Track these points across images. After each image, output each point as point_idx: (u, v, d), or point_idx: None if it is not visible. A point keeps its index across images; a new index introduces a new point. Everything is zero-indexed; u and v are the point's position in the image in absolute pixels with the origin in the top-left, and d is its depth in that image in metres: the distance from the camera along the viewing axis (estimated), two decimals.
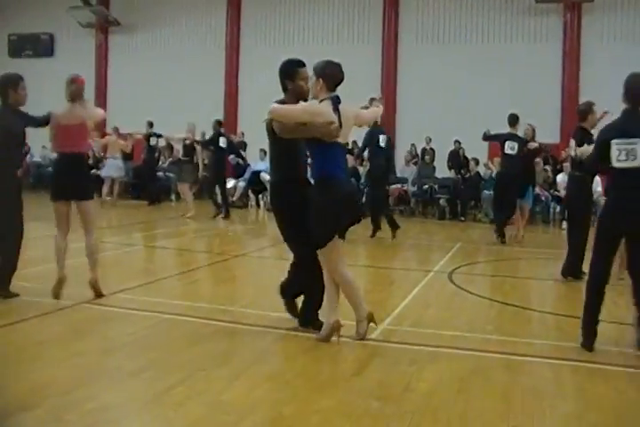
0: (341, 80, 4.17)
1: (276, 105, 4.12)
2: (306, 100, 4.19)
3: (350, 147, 15.62)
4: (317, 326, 4.48)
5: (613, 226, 4.23)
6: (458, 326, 4.91)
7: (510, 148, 9.43)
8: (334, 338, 4.32)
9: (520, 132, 9.69)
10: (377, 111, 5.08)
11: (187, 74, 18.07)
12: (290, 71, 4.30)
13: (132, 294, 5.68)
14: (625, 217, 4.15)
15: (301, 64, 4.32)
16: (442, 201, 13.82)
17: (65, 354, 3.94)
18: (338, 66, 4.19)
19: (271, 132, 4.22)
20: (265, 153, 14.97)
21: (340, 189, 4.10)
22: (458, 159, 14.72)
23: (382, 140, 9.79)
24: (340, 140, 4.14)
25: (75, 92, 5.22)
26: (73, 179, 5.20)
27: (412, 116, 16.36)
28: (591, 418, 3.27)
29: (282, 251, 8.74)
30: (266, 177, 14.18)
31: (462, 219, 13.16)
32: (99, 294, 5.35)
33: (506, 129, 9.78)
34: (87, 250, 5.33)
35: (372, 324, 4.42)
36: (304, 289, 4.53)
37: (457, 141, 14.94)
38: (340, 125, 4.07)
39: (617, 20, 15.13)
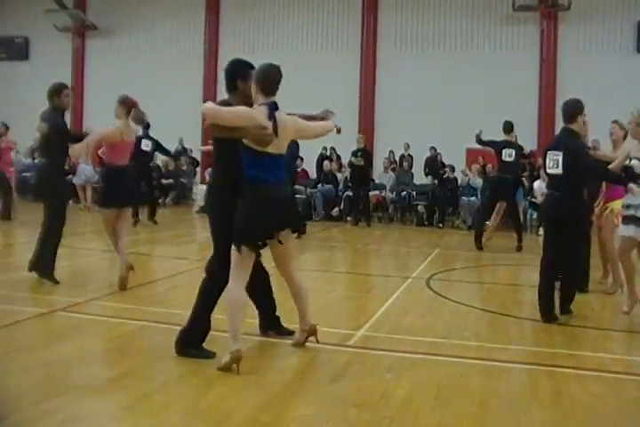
0: (277, 84, 3.85)
1: (208, 104, 3.78)
2: (251, 105, 3.91)
3: (328, 153, 15.71)
4: (283, 332, 4.48)
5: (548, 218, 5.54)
6: (436, 332, 4.92)
7: (508, 155, 9.71)
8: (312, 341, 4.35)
9: (513, 139, 9.94)
10: (326, 126, 4.38)
11: (165, 79, 17.98)
12: (243, 72, 4.04)
13: (108, 300, 5.62)
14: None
15: (252, 67, 4.06)
16: (420, 207, 13.90)
17: (37, 363, 3.88)
18: (271, 68, 3.88)
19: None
20: None
21: (266, 193, 3.81)
22: (435, 165, 14.83)
23: None
24: (273, 150, 3.81)
25: (136, 114, 6.20)
26: (127, 190, 6.24)
27: (391, 122, 16.46)
28: (569, 423, 3.30)
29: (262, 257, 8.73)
30: None
31: (440, 225, 13.25)
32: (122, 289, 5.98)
33: (487, 136, 10.00)
34: (123, 250, 6.13)
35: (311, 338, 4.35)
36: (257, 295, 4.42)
37: (433, 148, 15.07)
38: (276, 134, 3.78)
39: (592, 28, 15.41)
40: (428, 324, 5.19)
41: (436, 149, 15.04)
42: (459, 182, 13.85)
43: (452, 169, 13.88)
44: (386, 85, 16.73)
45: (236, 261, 3.85)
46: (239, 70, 4.07)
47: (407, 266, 8.67)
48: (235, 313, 3.83)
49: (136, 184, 7.31)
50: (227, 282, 3.89)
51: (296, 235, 4.24)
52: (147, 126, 11.46)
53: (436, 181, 14.10)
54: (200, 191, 14.35)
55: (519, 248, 9.71)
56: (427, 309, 5.80)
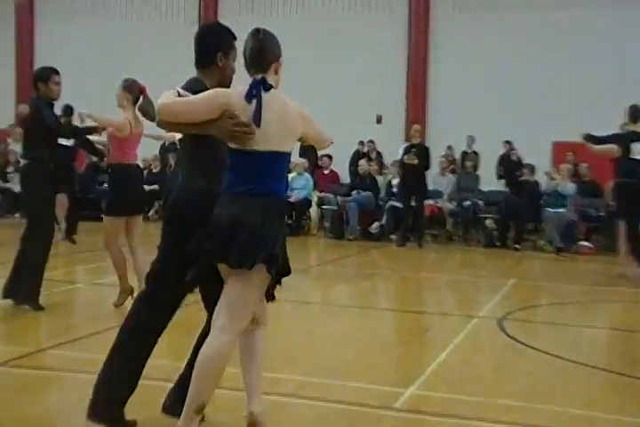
0: (258, 55, 3.58)
1: (167, 99, 3.53)
2: (228, 86, 3.80)
3: (366, 150, 15.73)
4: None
5: None
6: (513, 392, 4.85)
7: (639, 151, 9.48)
8: None
9: None
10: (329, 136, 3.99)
11: (144, 48, 18.21)
12: (226, 43, 3.89)
13: (70, 349, 5.62)
14: None
15: (235, 36, 3.93)
16: (489, 222, 13.81)
17: None
18: (249, 36, 3.63)
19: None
20: None
21: (221, 210, 3.52)
22: (509, 166, 14.76)
23: None
24: (257, 146, 3.50)
25: (145, 104, 6.47)
26: (141, 193, 7.00)
27: (449, 108, 16.45)
28: None
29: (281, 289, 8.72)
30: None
31: (517, 247, 13.12)
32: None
33: (589, 129, 9.91)
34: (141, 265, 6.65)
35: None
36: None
37: (507, 142, 15.00)
38: (257, 123, 3.47)
39: None
40: (503, 381, 5.13)
41: (511, 145, 14.96)
42: (542, 188, 13.71)
43: (532, 170, 13.72)
44: (442, 60, 16.77)
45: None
46: (224, 40, 3.91)
47: (473, 301, 8.61)
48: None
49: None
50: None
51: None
52: (68, 111, 11.27)
53: (510, 187, 14.00)
54: None
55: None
56: (500, 360, 5.74)
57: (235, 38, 3.91)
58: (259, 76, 3.55)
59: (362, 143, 15.75)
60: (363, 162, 14.79)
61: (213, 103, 3.48)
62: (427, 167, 13.41)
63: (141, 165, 15.97)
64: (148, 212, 15.93)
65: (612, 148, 9.65)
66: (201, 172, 3.81)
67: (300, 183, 14.42)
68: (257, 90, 3.50)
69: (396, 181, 14.12)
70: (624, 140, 9.66)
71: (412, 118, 16.10)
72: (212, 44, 3.89)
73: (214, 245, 3.46)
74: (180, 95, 3.63)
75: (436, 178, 14.94)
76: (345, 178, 15.80)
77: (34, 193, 6.80)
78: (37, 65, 19.26)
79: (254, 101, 3.48)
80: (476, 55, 16.24)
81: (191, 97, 3.56)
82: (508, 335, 6.47)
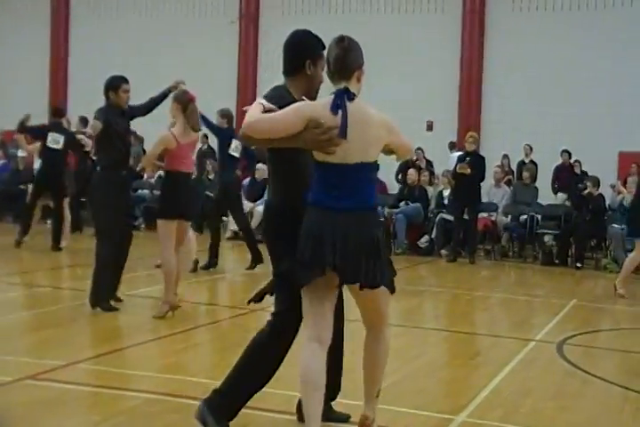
0: (342, 63, 3.79)
1: (252, 117, 3.71)
2: (315, 96, 4.04)
3: (415, 158, 15.70)
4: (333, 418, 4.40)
5: None
6: (573, 424, 4.79)
7: None
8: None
9: None
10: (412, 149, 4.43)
11: (187, 48, 18.47)
12: (316, 51, 4.07)
13: (97, 364, 5.66)
14: None
15: (323, 44, 4.08)
16: (548, 238, 13.69)
17: None
18: (330, 44, 3.85)
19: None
20: None
21: (308, 222, 3.77)
22: (569, 177, 14.62)
23: (235, 146, 10.39)
24: (338, 159, 3.72)
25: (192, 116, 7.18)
26: (190, 199, 7.39)
27: (505, 113, 16.38)
28: None
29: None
30: None
31: (578, 265, 12.98)
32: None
33: None
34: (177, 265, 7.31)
35: None
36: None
37: (566, 152, 14.87)
38: (344, 134, 3.67)
39: None
40: (562, 411, 5.06)
41: (570, 154, 14.84)
42: (607, 202, 13.57)
43: (597, 183, 13.58)
44: (498, 63, 16.68)
45: (304, 308, 3.89)
46: (313, 48, 4.08)
47: (529, 323, 8.52)
48: (307, 389, 3.81)
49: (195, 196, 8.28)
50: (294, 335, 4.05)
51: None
52: (58, 113, 11.55)
53: (571, 201, 13.86)
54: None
55: None
56: (559, 388, 5.68)
57: (324, 47, 4.02)
58: (342, 86, 3.76)
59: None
60: (412, 171, 14.74)
61: (298, 117, 3.67)
62: (482, 178, 13.32)
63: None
64: None
65: None
66: (282, 186, 4.07)
67: None
68: (341, 100, 3.70)
69: (447, 192, 14.07)
70: None
71: (465, 125, 16.06)
72: (301, 53, 4.08)
73: (325, 258, 3.69)
74: (264, 108, 3.78)
75: (490, 189, 14.85)
76: (393, 188, 15.78)
77: (103, 201, 7.36)
78: (71, 63, 19.83)
79: (340, 112, 3.68)
80: (535, 57, 16.15)
81: (275, 114, 3.72)
82: (569, 362, 6.38)
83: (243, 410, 4.19)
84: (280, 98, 3.93)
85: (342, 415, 4.49)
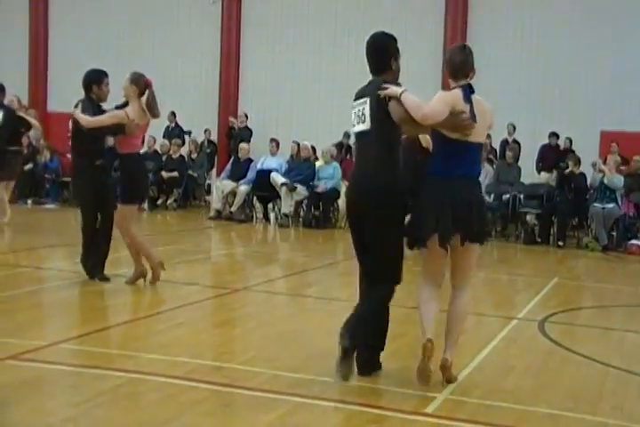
0: (461, 65, 4.88)
1: (422, 108, 4.70)
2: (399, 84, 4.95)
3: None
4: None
5: None
6: (554, 400, 4.82)
7: None
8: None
9: None
10: None
11: (166, 33, 18.35)
12: (395, 48, 5.07)
13: (80, 344, 5.66)
14: None
15: (396, 39, 5.11)
16: (530, 218, 13.71)
17: None
18: (453, 49, 5.03)
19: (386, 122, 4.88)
20: (277, 145, 15.05)
21: (436, 191, 4.80)
22: (553, 157, 14.63)
23: None
24: (473, 138, 4.81)
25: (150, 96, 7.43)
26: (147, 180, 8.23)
27: (488, 93, 16.25)
28: None
29: (298, 284, 8.74)
30: (278, 179, 14.21)
31: (560, 244, 13.03)
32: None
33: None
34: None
35: None
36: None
37: (554, 134, 14.86)
38: (474, 119, 4.74)
39: None
40: (543, 387, 5.10)
41: (557, 136, 14.83)
42: (588, 181, 13.58)
43: (578, 162, 13.56)
44: (480, 40, 16.55)
45: (426, 261, 5.05)
46: (392, 47, 5.06)
47: (511, 302, 8.57)
48: (426, 309, 4.97)
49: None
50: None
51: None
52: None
53: (553, 179, 13.88)
54: (219, 189, 14.51)
55: None
56: (540, 365, 5.72)
57: (396, 41, 5.12)
58: (463, 82, 4.86)
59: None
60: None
61: (448, 105, 4.72)
62: None
63: (159, 151, 16.21)
64: (167, 200, 16.00)
65: None
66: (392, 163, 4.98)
67: (327, 172, 14.41)
68: (469, 94, 4.81)
69: None
70: None
71: None
72: (386, 53, 5.08)
73: (450, 221, 4.76)
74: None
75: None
76: None
77: (83, 188, 7.81)
78: (51, 56, 19.65)
79: (468, 103, 4.77)
80: (517, 36, 16.10)
81: (435, 104, 4.75)
82: (550, 339, 6.43)
83: (225, 389, 4.18)
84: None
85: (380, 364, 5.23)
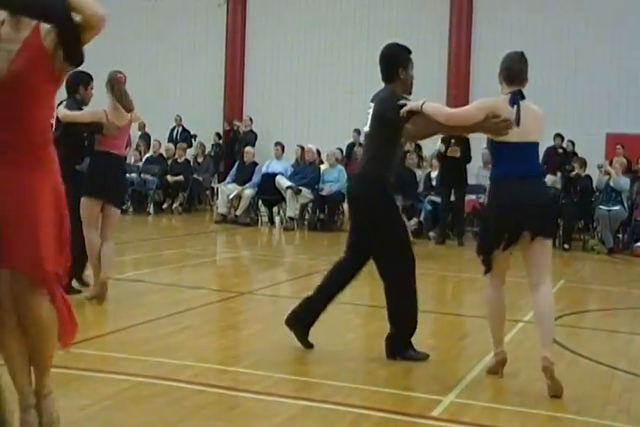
0: (518, 73, 5.12)
1: (445, 111, 5.19)
2: (411, 91, 5.38)
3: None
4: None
5: None
6: (561, 403, 4.81)
7: None
8: None
9: None
10: None
11: (171, 36, 18.40)
12: (405, 59, 5.38)
13: (85, 347, 5.62)
14: None
15: (410, 51, 5.45)
16: None
17: None
18: (512, 56, 5.22)
19: (386, 120, 5.27)
20: (282, 149, 15.06)
21: (505, 195, 5.02)
22: (557, 160, 14.60)
23: None
24: (515, 138, 4.97)
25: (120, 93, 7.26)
26: (119, 183, 7.53)
27: (492, 93, 16.30)
28: None
29: (304, 287, 8.74)
30: (284, 183, 14.22)
31: (566, 247, 13.00)
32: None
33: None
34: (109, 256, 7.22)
35: None
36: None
37: (559, 136, 14.84)
38: (517, 122, 4.94)
39: None
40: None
41: (562, 138, 14.80)
42: (594, 184, 13.54)
43: (583, 164, 13.53)
44: (485, 42, 16.60)
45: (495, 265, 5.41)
46: (401, 57, 5.36)
47: (517, 305, 8.51)
48: (492, 314, 5.30)
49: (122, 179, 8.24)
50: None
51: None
52: None
53: (559, 182, 13.85)
54: (224, 193, 14.52)
55: None
56: None
57: (409, 52, 5.45)
58: (516, 88, 5.10)
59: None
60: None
61: (481, 110, 5.04)
62: (467, 160, 13.33)
63: (165, 155, 16.24)
64: (172, 204, 16.01)
65: None
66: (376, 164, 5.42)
67: (332, 175, 14.42)
68: (516, 99, 5.05)
69: (435, 175, 14.05)
70: None
71: (453, 106, 15.99)
72: (394, 63, 5.38)
73: (524, 218, 5.01)
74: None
75: (479, 172, 14.79)
76: None
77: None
78: None
79: (515, 107, 4.99)
80: (522, 36, 16.07)
81: (465, 107, 5.23)
82: (556, 342, 6.37)
83: (231, 393, 4.19)
84: (399, 96, 5.31)
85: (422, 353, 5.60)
